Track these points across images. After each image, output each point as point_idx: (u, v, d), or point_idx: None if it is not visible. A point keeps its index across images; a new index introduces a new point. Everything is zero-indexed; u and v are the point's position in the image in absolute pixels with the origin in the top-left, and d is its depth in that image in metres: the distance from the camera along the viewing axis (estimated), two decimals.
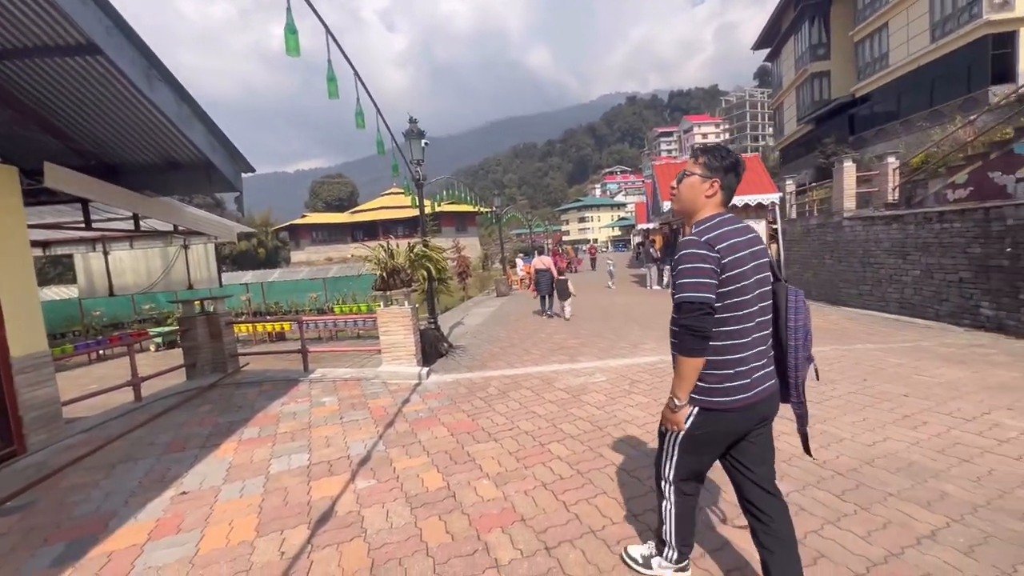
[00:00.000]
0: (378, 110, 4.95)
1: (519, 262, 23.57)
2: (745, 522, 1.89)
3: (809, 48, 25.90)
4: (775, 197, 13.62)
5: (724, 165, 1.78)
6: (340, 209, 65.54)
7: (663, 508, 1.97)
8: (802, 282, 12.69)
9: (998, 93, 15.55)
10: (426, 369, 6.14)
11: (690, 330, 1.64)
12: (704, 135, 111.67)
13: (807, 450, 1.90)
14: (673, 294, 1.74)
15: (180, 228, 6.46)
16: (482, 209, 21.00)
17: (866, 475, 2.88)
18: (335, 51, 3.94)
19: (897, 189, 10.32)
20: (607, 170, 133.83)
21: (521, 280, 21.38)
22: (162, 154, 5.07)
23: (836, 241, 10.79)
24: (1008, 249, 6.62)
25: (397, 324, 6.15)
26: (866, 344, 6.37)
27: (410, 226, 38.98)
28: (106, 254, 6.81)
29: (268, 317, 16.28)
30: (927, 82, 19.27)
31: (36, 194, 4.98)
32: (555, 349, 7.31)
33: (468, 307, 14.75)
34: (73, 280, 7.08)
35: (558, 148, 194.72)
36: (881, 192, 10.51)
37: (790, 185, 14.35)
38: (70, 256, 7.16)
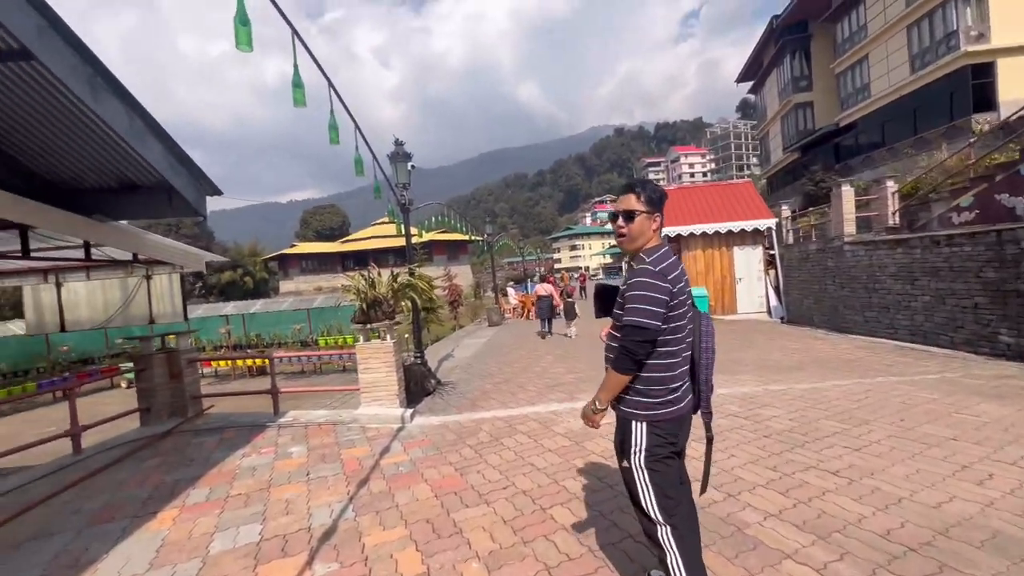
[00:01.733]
0: (356, 124, 4.53)
1: (511, 291, 23.11)
2: None
3: (792, 80, 26.57)
4: (771, 223, 13.41)
5: (660, 197, 1.90)
6: (331, 239, 65.11)
7: (669, 563, 1.85)
8: (803, 308, 12.32)
9: (980, 121, 15.79)
10: (410, 411, 5.53)
11: (628, 352, 1.76)
12: (691, 164, 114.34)
13: (708, 462, 2.03)
14: (619, 315, 1.84)
15: (140, 257, 5.91)
16: (473, 237, 20.65)
17: (945, 550, 2.34)
18: (313, 68, 3.54)
19: (897, 213, 10.11)
20: (597, 199, 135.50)
21: (514, 309, 20.85)
22: (116, 175, 4.57)
23: (838, 266, 10.48)
24: None
25: (378, 360, 5.57)
26: (888, 376, 5.89)
27: (401, 255, 38.45)
28: (58, 286, 6.20)
29: (249, 350, 15.51)
30: (909, 111, 19.62)
31: None
32: (552, 386, 6.73)
33: (459, 337, 14.14)
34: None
35: (548, 178, 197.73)
36: (881, 216, 10.29)
37: (785, 211, 14.18)
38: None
